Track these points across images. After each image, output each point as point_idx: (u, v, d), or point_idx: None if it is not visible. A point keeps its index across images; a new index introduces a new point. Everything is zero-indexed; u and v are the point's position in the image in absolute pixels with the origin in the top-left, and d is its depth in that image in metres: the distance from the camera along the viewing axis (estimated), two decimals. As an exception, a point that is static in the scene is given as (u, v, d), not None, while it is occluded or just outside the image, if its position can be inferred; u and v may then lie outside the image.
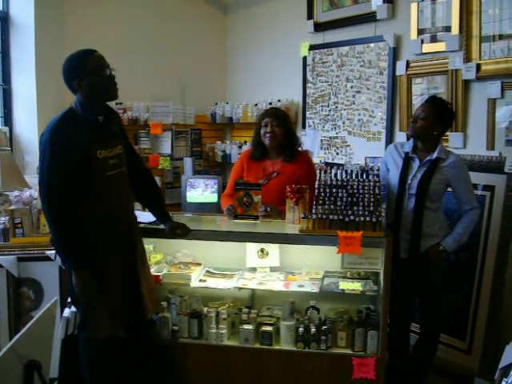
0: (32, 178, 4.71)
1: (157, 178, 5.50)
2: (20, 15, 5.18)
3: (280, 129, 3.70)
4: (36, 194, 4.11)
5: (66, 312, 3.22)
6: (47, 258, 3.71)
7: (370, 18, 4.52)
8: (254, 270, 3.57)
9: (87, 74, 2.82)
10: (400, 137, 4.27)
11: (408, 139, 3.46)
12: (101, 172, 2.86)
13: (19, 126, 5.27)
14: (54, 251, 3.67)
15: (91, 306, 2.83)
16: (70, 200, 2.77)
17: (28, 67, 5.16)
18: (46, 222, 2.90)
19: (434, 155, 3.29)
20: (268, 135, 3.70)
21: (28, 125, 5.23)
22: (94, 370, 2.96)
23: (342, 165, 3.38)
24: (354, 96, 4.80)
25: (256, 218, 3.49)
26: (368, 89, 4.64)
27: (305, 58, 5.29)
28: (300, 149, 3.90)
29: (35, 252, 3.76)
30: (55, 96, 5.31)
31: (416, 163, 3.35)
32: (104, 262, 2.88)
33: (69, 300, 3.29)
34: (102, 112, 2.95)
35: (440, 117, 3.29)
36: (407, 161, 3.37)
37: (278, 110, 4.01)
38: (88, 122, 2.86)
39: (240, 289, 3.40)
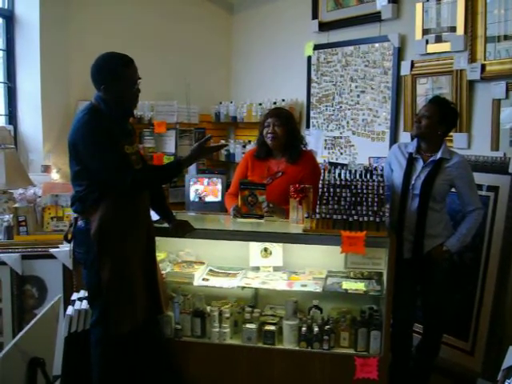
0: (36, 176, 4.73)
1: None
2: (25, 14, 5.18)
3: (282, 129, 3.69)
4: (40, 192, 4.12)
5: (69, 310, 3.23)
6: (51, 256, 3.71)
7: (374, 17, 4.52)
8: (257, 269, 3.57)
9: (117, 83, 2.82)
10: (404, 137, 4.27)
11: (412, 139, 3.46)
12: None
13: (24, 124, 5.28)
14: (58, 249, 3.69)
15: (118, 299, 2.88)
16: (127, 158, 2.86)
17: (33, 66, 5.17)
18: (135, 189, 2.91)
19: (438, 155, 3.28)
20: (270, 136, 3.70)
21: (32, 123, 5.24)
22: (107, 365, 2.97)
23: (345, 165, 3.38)
24: (358, 96, 4.79)
25: (261, 217, 3.49)
26: (372, 89, 4.64)
27: (309, 58, 5.29)
28: (304, 148, 3.89)
29: (39, 250, 3.76)
30: (59, 94, 5.35)
31: (420, 164, 3.34)
32: (128, 253, 2.92)
33: (78, 296, 3.31)
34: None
35: (444, 116, 3.28)
36: (411, 161, 3.37)
37: (281, 109, 3.99)
38: (113, 118, 2.87)
39: (243, 288, 3.40)
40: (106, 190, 2.84)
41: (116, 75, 2.81)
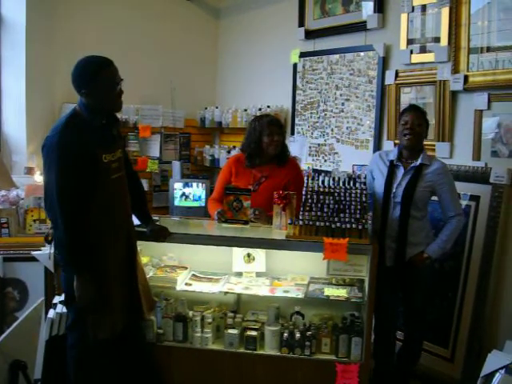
0: (20, 178, 4.71)
1: (145, 181, 5.52)
2: (11, 15, 5.15)
3: (281, 137, 3.76)
4: (23, 194, 4.10)
5: (51, 313, 3.21)
6: (33, 259, 3.70)
7: (360, 27, 4.56)
8: (240, 274, 3.58)
9: (97, 86, 2.77)
10: (388, 145, 4.30)
11: (402, 149, 3.46)
12: (105, 176, 2.85)
13: (8, 125, 5.24)
14: (40, 251, 3.67)
15: (92, 308, 2.82)
16: (80, 203, 2.74)
17: (18, 67, 5.14)
18: (61, 223, 2.73)
19: (418, 161, 3.32)
20: (274, 145, 3.73)
21: (17, 125, 5.21)
22: (81, 370, 2.95)
23: (329, 172, 3.40)
24: (342, 104, 4.83)
25: (246, 222, 3.51)
26: (357, 97, 4.67)
27: (295, 65, 5.32)
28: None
29: (21, 252, 3.75)
30: (44, 96, 5.33)
31: (400, 171, 3.37)
32: (106, 261, 2.89)
33: (59, 300, 3.29)
34: (105, 116, 2.93)
35: (427, 123, 3.36)
36: (392, 169, 3.40)
37: (275, 117, 4.05)
38: (93, 125, 2.83)
39: (226, 293, 3.41)
40: (84, 196, 2.78)
41: (95, 78, 2.76)
